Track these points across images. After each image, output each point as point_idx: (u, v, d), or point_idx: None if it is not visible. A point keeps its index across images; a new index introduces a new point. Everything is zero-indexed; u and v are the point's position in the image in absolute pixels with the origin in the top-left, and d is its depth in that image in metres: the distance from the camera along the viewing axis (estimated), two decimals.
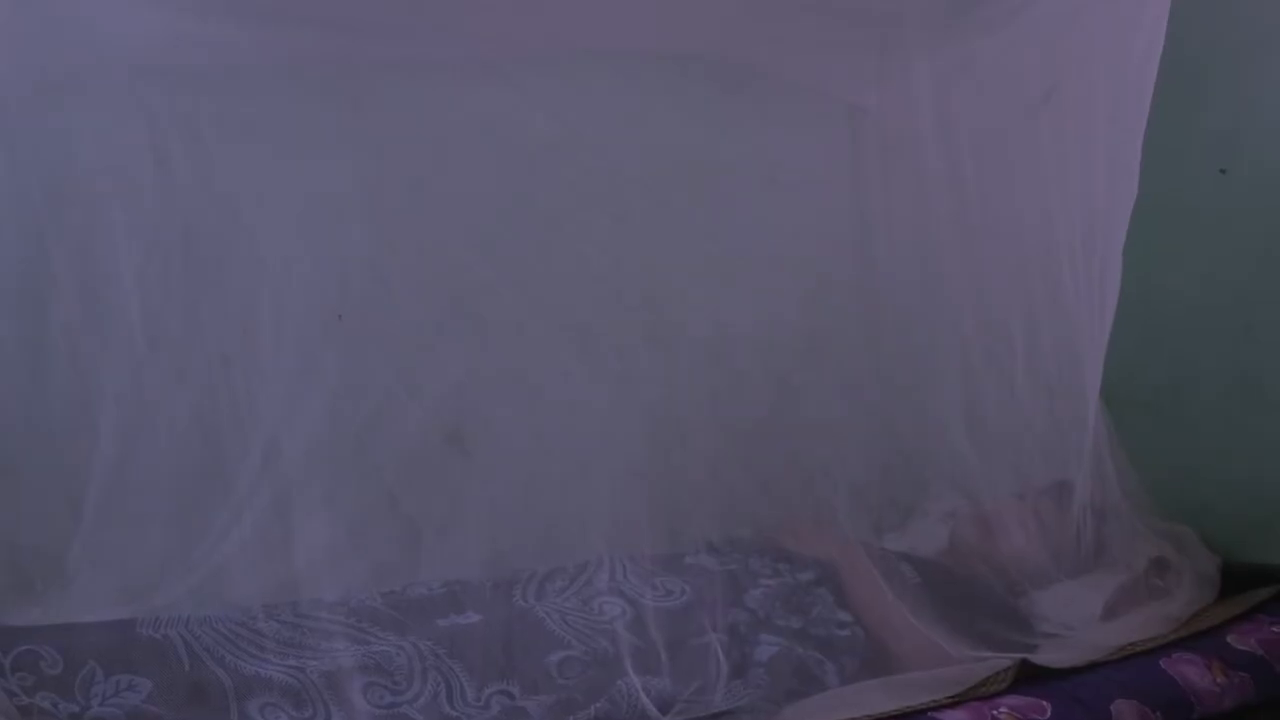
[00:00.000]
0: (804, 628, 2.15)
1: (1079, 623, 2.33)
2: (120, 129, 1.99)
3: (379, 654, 1.93)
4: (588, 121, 2.40)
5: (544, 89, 2.38)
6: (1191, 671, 2.17)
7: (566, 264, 2.39)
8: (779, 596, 2.18)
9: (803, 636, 2.13)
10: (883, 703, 2.00)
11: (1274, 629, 2.31)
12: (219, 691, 1.82)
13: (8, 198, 1.96)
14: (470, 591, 2.10)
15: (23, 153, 1.95)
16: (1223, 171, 2.61)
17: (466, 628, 2.01)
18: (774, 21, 2.52)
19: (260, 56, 2.10)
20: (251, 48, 2.05)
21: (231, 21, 1.98)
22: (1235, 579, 2.46)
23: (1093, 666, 2.15)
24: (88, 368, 1.98)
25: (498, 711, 1.92)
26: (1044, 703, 2.03)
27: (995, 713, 1.99)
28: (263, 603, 1.96)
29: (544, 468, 2.33)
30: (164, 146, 2.00)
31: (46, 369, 2.00)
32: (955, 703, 2.01)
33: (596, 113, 2.42)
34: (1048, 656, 2.15)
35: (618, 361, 2.38)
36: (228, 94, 2.09)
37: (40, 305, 1.98)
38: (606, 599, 2.10)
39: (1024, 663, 2.10)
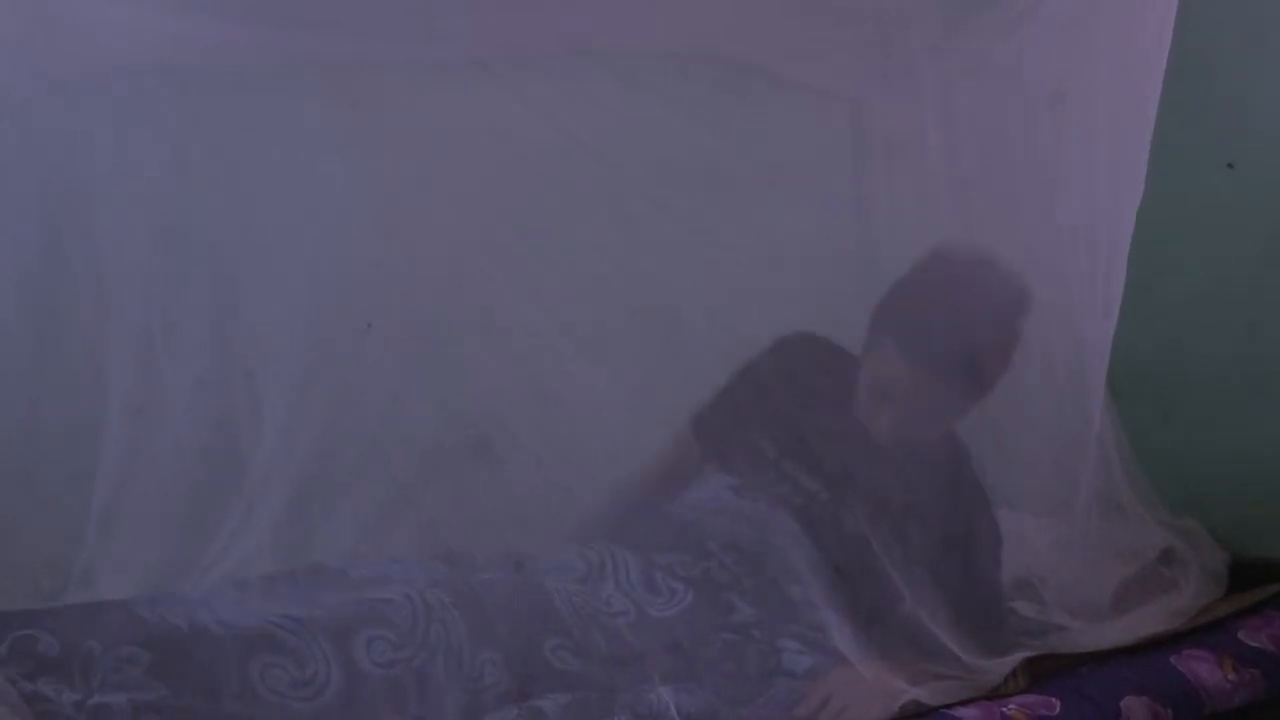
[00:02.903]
0: (808, 633, 2.13)
1: (1086, 610, 2.34)
2: (131, 132, 1.99)
3: (383, 602, 1.91)
4: (589, 125, 2.40)
5: (546, 92, 2.37)
6: (1202, 668, 2.17)
7: (575, 269, 2.38)
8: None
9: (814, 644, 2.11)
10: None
11: None
12: (220, 656, 1.79)
13: (21, 199, 1.96)
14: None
15: (35, 156, 1.95)
16: (1230, 166, 2.61)
17: (477, 582, 2.01)
18: (778, 22, 2.52)
19: (272, 58, 2.10)
20: (262, 49, 2.06)
21: (243, 23, 1.98)
22: (1243, 575, 2.46)
23: (1102, 663, 2.15)
24: (98, 369, 1.98)
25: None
26: (1053, 699, 2.03)
27: (1005, 710, 1.99)
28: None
29: (560, 473, 2.32)
30: (176, 149, 2.01)
31: (57, 370, 2.01)
32: (965, 701, 2.01)
33: (599, 116, 2.41)
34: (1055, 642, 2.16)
35: (632, 368, 2.36)
36: (240, 97, 2.09)
37: (53, 307, 1.99)
38: (614, 594, 2.09)
39: (1032, 661, 2.09)
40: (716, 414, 2.37)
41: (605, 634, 2.02)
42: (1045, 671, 2.09)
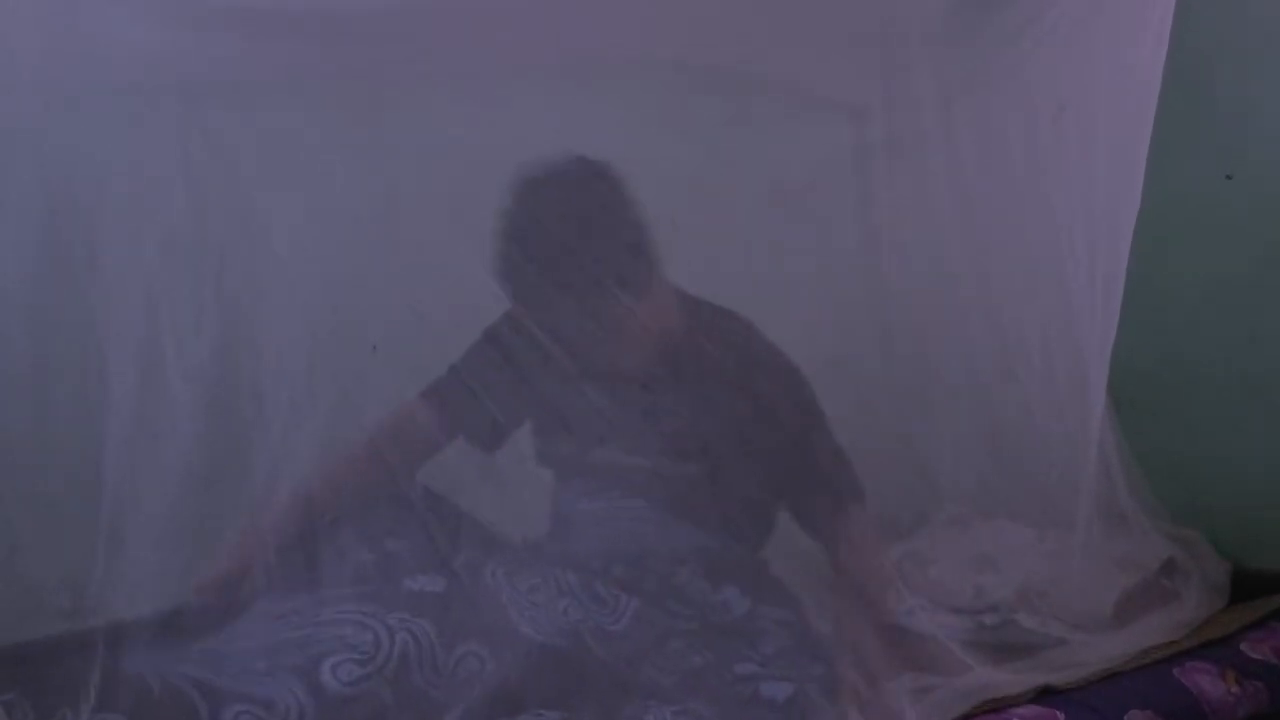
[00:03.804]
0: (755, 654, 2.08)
1: (1088, 622, 2.33)
2: (137, 146, 2.00)
3: (345, 633, 1.91)
4: (589, 136, 2.37)
5: (546, 104, 2.36)
6: (1205, 681, 2.17)
7: None
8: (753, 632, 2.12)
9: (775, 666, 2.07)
10: None
11: None
12: (194, 713, 1.81)
13: (27, 213, 1.95)
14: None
15: (41, 170, 1.95)
16: (1229, 178, 2.61)
17: (431, 595, 2.00)
18: (778, 33, 2.51)
19: (275, 70, 2.10)
20: (265, 62, 2.05)
21: (246, 36, 1.98)
22: (1245, 586, 2.46)
23: (1106, 675, 2.15)
24: (102, 385, 1.97)
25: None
26: (1057, 713, 2.03)
27: None
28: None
29: None
30: (182, 162, 2.00)
31: (63, 385, 2.01)
32: (964, 716, 2.01)
33: (598, 127, 2.40)
34: (1062, 675, 2.14)
35: (640, 391, 2.35)
36: (243, 109, 2.08)
37: (59, 322, 1.99)
38: (569, 603, 2.06)
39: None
40: (454, 379, 2.23)
41: (568, 638, 2.01)
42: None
